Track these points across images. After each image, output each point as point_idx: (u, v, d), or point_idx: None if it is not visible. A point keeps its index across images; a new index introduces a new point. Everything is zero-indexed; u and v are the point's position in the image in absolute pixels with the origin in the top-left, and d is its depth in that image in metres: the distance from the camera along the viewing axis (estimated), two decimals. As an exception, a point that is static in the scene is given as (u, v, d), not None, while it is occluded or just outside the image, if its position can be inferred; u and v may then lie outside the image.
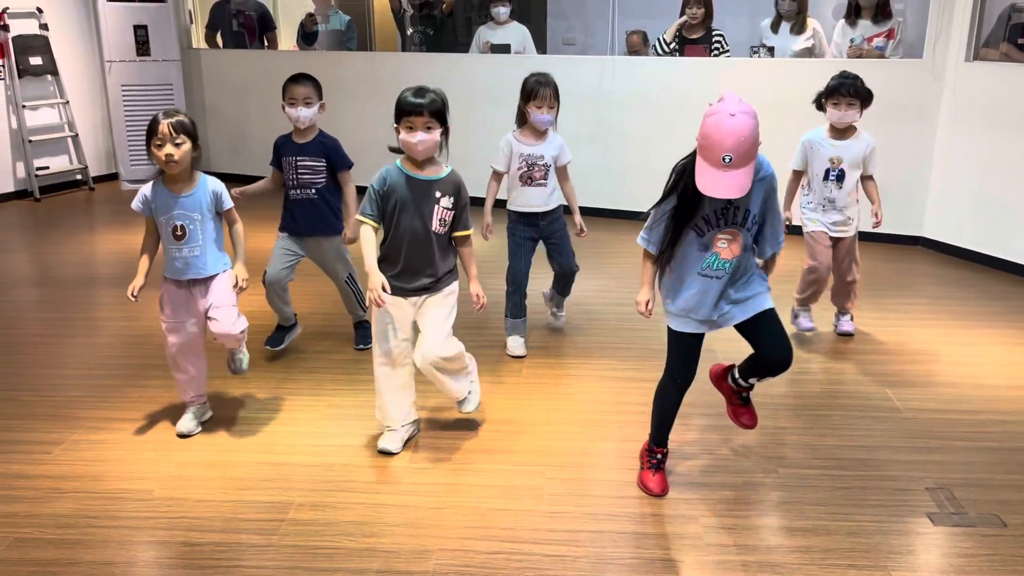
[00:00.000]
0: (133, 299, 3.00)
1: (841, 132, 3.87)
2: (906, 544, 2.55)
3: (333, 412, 3.37)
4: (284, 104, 3.62)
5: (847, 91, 3.76)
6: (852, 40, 5.86)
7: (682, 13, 6.18)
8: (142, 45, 7.53)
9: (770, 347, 2.63)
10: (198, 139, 2.99)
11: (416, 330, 2.99)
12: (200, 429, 3.20)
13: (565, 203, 3.92)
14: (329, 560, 2.45)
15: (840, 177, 3.87)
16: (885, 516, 2.67)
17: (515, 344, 3.91)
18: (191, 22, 8.15)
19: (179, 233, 2.99)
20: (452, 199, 2.91)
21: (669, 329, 2.69)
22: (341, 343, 4.03)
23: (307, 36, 7.60)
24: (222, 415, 3.32)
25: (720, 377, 2.92)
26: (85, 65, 7.58)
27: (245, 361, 3.29)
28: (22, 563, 2.44)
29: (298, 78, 3.65)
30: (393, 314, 2.92)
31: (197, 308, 3.06)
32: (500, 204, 3.83)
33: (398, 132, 2.85)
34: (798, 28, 6.16)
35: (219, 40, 7.94)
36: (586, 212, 3.99)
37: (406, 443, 3.09)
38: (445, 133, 2.88)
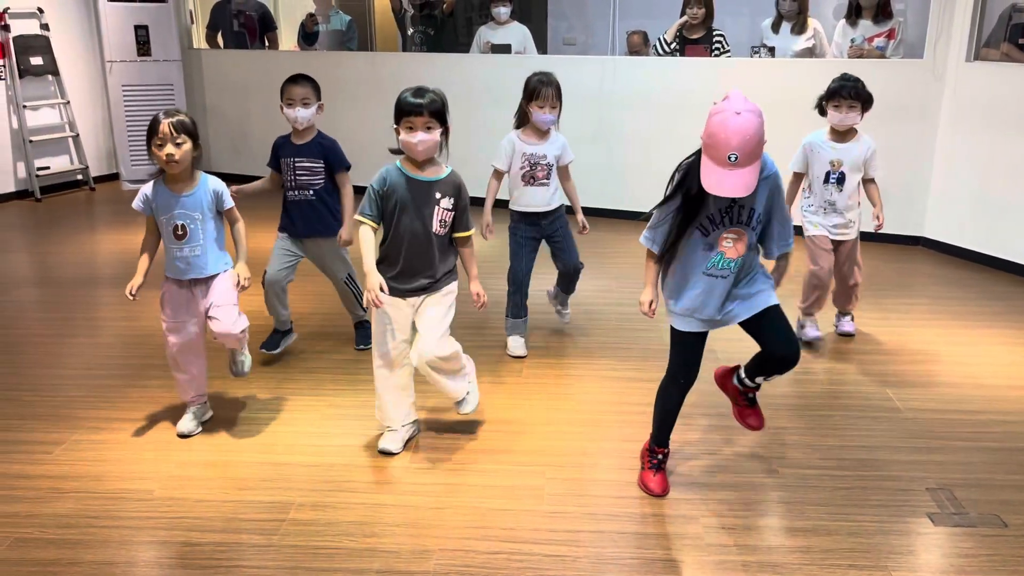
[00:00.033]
0: (131, 298, 3.00)
1: (842, 135, 3.86)
2: (907, 544, 2.55)
3: (333, 412, 3.37)
4: (282, 105, 3.62)
5: (848, 93, 3.75)
6: (853, 40, 5.86)
7: (683, 13, 6.18)
8: (143, 45, 7.54)
9: (776, 343, 2.60)
10: (199, 139, 2.99)
11: (415, 330, 2.99)
12: (200, 429, 3.20)
13: (566, 202, 3.92)
14: (329, 560, 2.45)
15: (840, 180, 3.86)
16: (886, 516, 2.67)
17: (515, 344, 3.91)
18: (192, 22, 8.16)
19: (180, 232, 2.99)
20: (452, 200, 2.91)
21: (672, 329, 2.68)
22: (341, 343, 4.03)
23: (308, 36, 7.61)
24: (222, 415, 3.32)
25: (725, 378, 2.90)
26: (86, 65, 7.58)
27: (247, 364, 3.28)
28: (23, 563, 2.44)
29: (296, 79, 3.65)
30: (392, 315, 2.92)
31: (198, 308, 3.06)
32: (500, 204, 3.83)
33: (398, 133, 2.85)
34: (799, 28, 6.16)
35: (220, 40, 7.94)
36: (587, 212, 3.98)
37: (406, 443, 3.09)
38: (445, 133, 2.88)
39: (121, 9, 7.40)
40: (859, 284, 4.08)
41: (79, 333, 4.25)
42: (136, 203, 3.03)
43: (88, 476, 2.89)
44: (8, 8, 6.87)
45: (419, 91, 2.82)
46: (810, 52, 6.13)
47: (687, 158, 2.51)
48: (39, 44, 7.11)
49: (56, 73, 7.26)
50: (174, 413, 3.28)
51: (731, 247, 2.51)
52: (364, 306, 2.87)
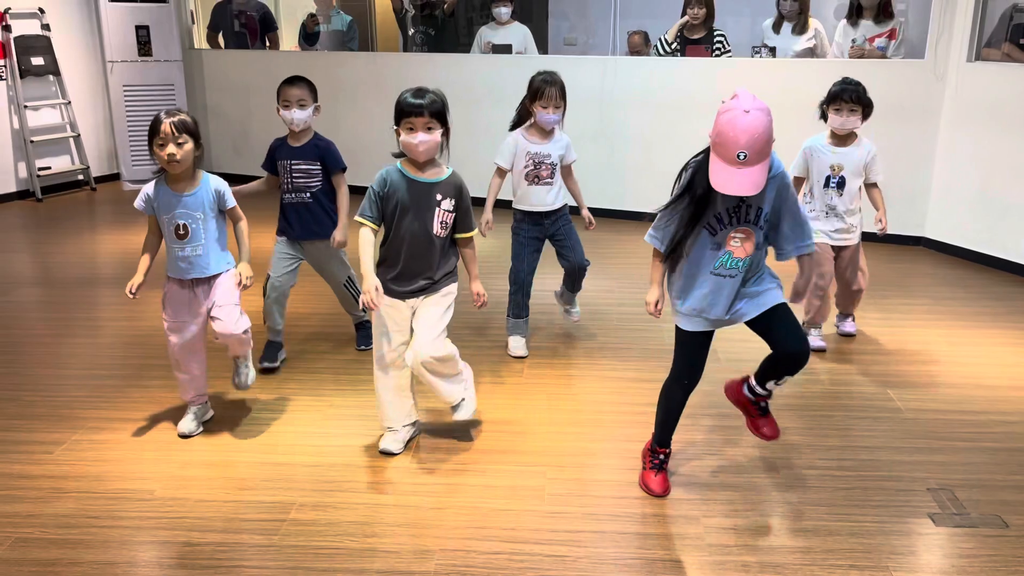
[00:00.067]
0: (131, 296, 3.00)
1: (842, 139, 3.85)
2: (908, 545, 2.55)
3: (334, 412, 3.37)
4: (279, 107, 3.61)
5: (849, 97, 3.74)
6: (854, 40, 5.86)
7: (683, 13, 6.18)
8: (144, 45, 7.54)
9: (785, 340, 2.57)
10: (200, 138, 2.99)
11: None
12: (201, 429, 3.20)
13: (570, 202, 3.91)
14: (330, 560, 2.45)
15: (841, 184, 3.84)
16: (887, 517, 2.67)
17: (516, 344, 3.90)
18: (193, 22, 8.16)
19: (181, 232, 2.99)
20: (453, 201, 2.90)
21: (677, 329, 2.66)
22: (343, 344, 4.03)
23: (309, 36, 7.61)
24: (223, 415, 3.32)
25: (736, 391, 2.84)
26: (87, 65, 7.58)
27: (251, 376, 3.25)
28: (23, 563, 2.44)
29: (292, 80, 3.63)
30: (391, 316, 2.92)
31: (200, 308, 3.06)
32: (503, 204, 3.82)
33: (398, 135, 2.84)
34: (800, 28, 6.16)
35: (221, 40, 7.94)
36: (587, 212, 3.98)
37: (407, 444, 3.09)
38: (446, 134, 2.87)
39: (122, 9, 7.41)
40: (863, 290, 4.06)
41: (80, 333, 4.25)
42: (138, 203, 3.03)
43: (89, 476, 2.89)
44: (9, 8, 6.88)
45: (419, 92, 2.82)
46: (811, 52, 6.13)
47: (695, 156, 2.50)
48: (40, 44, 7.11)
49: (57, 73, 7.26)
50: (175, 413, 3.28)
51: (739, 246, 2.50)
52: (361, 308, 2.86)
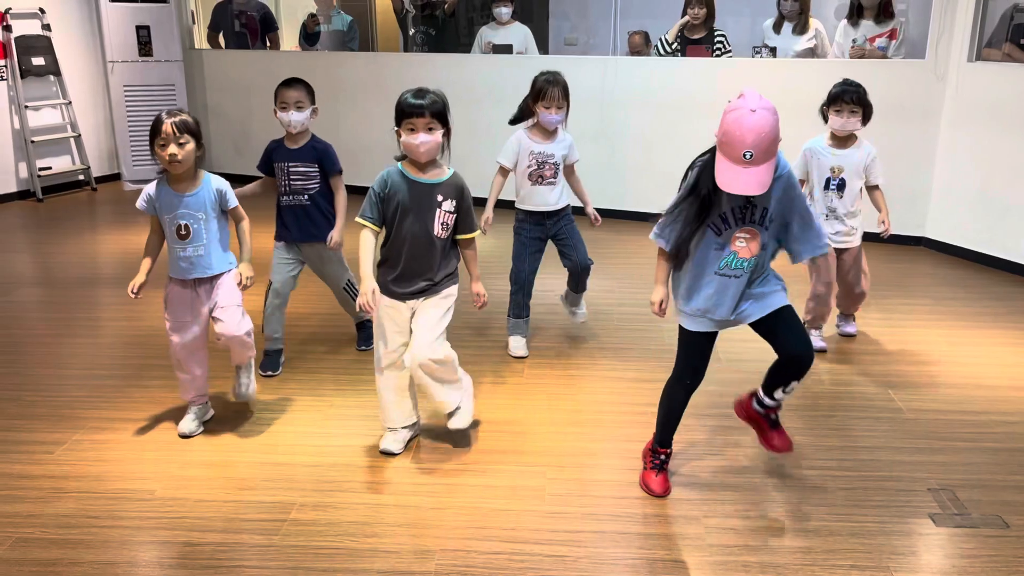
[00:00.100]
0: (133, 296, 3.00)
1: (842, 141, 3.85)
2: (908, 545, 2.55)
3: (335, 412, 3.37)
4: (276, 108, 3.59)
5: (850, 98, 3.73)
6: (854, 40, 5.86)
7: (684, 13, 6.18)
8: (144, 46, 7.54)
9: (789, 343, 2.56)
10: (202, 138, 2.99)
11: (414, 333, 2.98)
12: (202, 429, 3.20)
13: (574, 202, 3.90)
14: (331, 560, 2.45)
15: (841, 186, 3.84)
16: (887, 517, 2.67)
17: (517, 344, 3.90)
18: (193, 23, 8.17)
19: (183, 232, 2.99)
20: (454, 202, 2.90)
21: (681, 329, 2.66)
22: (343, 344, 4.03)
23: (309, 37, 7.61)
24: (224, 415, 3.32)
25: (746, 407, 2.82)
26: (87, 65, 7.59)
27: (252, 387, 3.24)
28: (24, 563, 2.44)
29: (290, 82, 3.60)
30: (391, 317, 2.92)
31: (201, 308, 3.06)
32: (505, 204, 3.82)
33: (399, 135, 2.84)
34: (800, 28, 6.16)
35: (221, 41, 7.95)
36: (588, 212, 3.99)
37: (408, 444, 3.09)
38: (447, 134, 2.87)
39: (123, 9, 7.41)
40: (866, 294, 4.05)
41: (81, 333, 4.25)
42: (139, 203, 3.03)
43: (89, 476, 2.89)
44: (10, 8, 6.88)
45: (420, 92, 2.81)
46: (812, 52, 6.13)
47: (701, 156, 2.50)
48: (41, 44, 7.11)
49: (58, 73, 7.26)
50: (176, 413, 3.28)
51: (744, 247, 2.49)
52: (357, 309, 2.85)
